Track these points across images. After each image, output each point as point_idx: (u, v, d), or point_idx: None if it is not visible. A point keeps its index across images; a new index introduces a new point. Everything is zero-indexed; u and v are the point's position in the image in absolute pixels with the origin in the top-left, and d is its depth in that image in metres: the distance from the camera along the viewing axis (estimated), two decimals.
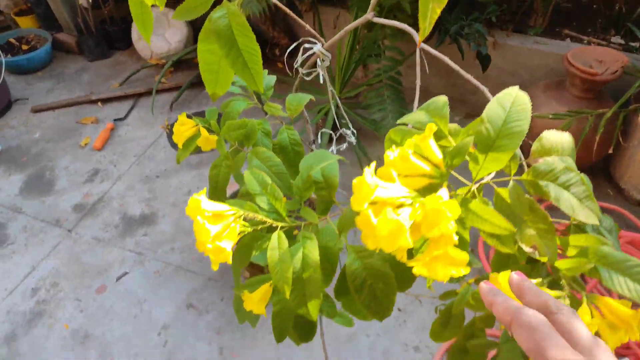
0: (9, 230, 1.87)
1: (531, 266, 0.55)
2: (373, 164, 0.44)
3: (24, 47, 2.54)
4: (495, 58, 2.08)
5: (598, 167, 1.97)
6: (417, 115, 0.57)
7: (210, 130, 1.13)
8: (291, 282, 0.59)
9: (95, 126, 2.28)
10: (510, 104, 0.49)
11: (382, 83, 1.98)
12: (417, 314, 1.61)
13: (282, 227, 0.62)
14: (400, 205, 0.41)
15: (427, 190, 0.47)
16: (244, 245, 0.65)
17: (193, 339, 1.56)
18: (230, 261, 0.54)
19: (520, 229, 0.51)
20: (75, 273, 1.74)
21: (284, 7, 0.90)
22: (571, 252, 0.51)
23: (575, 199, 0.48)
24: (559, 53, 1.99)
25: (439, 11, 0.48)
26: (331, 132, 1.30)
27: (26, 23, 2.74)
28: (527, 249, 0.50)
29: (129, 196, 2.01)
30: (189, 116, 1.13)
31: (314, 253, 0.60)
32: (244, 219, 0.60)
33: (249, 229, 0.60)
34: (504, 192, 0.51)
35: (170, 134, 2.25)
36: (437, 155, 0.46)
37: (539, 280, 0.49)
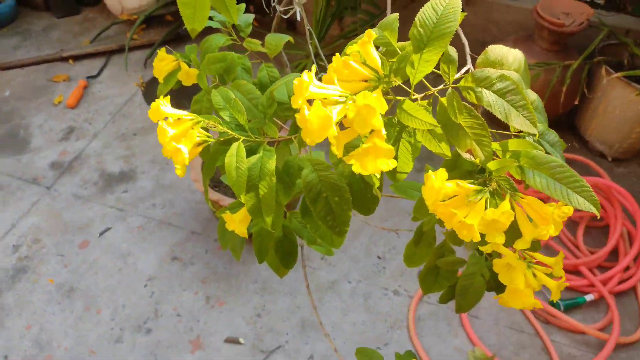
0: None
1: (469, 172, 0.60)
2: (314, 67, 0.49)
3: None
4: (467, 14, 2.12)
5: (564, 121, 2.06)
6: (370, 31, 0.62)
7: (190, 65, 1.15)
8: (247, 188, 0.64)
9: (67, 84, 2.23)
10: (443, 8, 0.52)
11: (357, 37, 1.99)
12: (395, 261, 1.69)
13: (245, 141, 0.67)
14: (336, 103, 0.48)
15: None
16: (210, 157, 0.72)
17: (179, 289, 1.60)
18: (187, 162, 0.60)
19: (457, 135, 0.55)
20: (57, 229, 1.75)
21: None
22: (506, 156, 0.57)
23: (511, 107, 0.51)
24: (529, 8, 2.04)
25: None
26: None
27: None
28: (463, 154, 0.56)
29: (106, 154, 1.99)
30: (168, 51, 1.14)
31: (271, 164, 0.65)
32: (206, 129, 0.65)
33: (212, 140, 0.65)
34: (445, 100, 0.54)
35: (145, 91, 2.23)
36: (377, 60, 0.51)
37: (470, 180, 0.54)
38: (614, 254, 1.66)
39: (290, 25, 2.43)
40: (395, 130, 0.59)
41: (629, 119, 1.81)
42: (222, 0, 0.86)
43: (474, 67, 0.66)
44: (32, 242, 1.71)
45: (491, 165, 0.52)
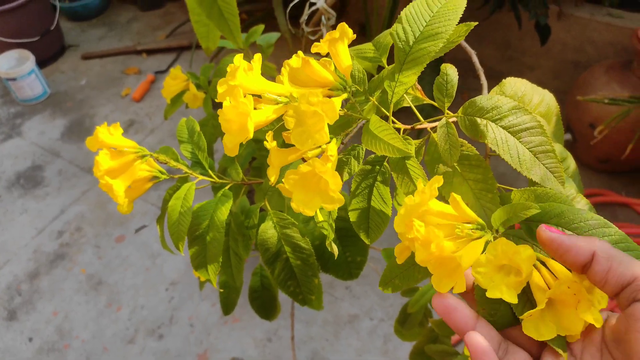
0: (46, 173, 1.95)
1: None
2: (259, 56, 0.42)
3: None
4: (559, 31, 1.85)
5: None
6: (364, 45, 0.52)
7: (200, 87, 1.08)
8: (192, 238, 0.56)
9: (137, 77, 2.31)
10: (441, 5, 0.42)
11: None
12: None
13: (203, 182, 0.59)
14: (275, 103, 0.41)
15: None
16: (164, 199, 0.63)
17: (198, 298, 1.58)
18: (121, 200, 0.53)
19: (450, 182, 0.42)
20: (99, 220, 1.80)
21: None
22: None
23: (527, 151, 0.38)
24: (634, 28, 1.73)
25: None
26: None
27: None
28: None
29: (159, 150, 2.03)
30: (183, 71, 1.08)
31: (224, 213, 0.55)
32: (160, 164, 0.59)
33: (165, 177, 0.59)
34: (436, 136, 0.42)
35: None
36: (348, 61, 0.41)
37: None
38: None
39: (362, 29, 2.30)
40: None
41: None
42: (224, 20, 0.82)
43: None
44: (75, 230, 1.78)
45: (495, 218, 0.37)
